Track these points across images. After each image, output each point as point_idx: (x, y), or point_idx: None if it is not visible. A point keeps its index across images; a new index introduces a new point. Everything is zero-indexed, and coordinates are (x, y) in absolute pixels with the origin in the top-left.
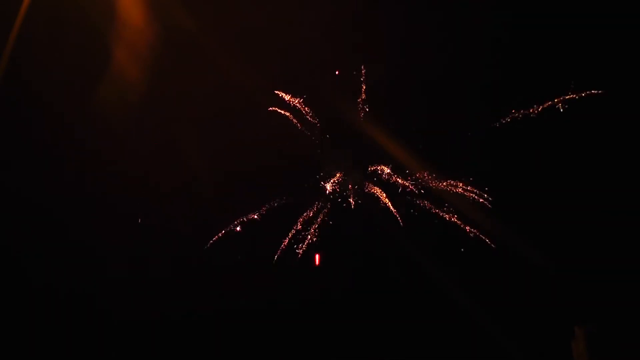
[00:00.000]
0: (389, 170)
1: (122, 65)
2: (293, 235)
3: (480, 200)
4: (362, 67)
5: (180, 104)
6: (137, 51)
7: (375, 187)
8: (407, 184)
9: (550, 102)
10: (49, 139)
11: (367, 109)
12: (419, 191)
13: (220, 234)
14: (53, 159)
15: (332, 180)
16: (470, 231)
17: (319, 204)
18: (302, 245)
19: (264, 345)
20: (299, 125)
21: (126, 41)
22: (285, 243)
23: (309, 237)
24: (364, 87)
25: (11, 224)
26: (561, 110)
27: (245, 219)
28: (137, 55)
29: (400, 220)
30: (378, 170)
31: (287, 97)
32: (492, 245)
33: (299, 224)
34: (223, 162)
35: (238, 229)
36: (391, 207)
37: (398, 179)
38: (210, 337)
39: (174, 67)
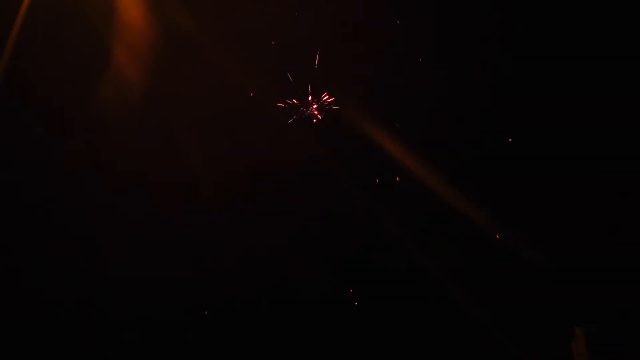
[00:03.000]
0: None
1: (122, 65)
2: None
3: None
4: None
5: (181, 103)
6: (138, 51)
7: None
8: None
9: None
10: (48, 138)
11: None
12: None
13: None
14: (53, 159)
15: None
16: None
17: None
18: None
19: (263, 345)
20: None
21: (127, 41)
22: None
23: None
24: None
25: (10, 224)
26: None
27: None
28: (137, 55)
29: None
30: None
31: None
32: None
33: None
34: (223, 161)
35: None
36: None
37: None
38: (209, 337)
39: (175, 67)
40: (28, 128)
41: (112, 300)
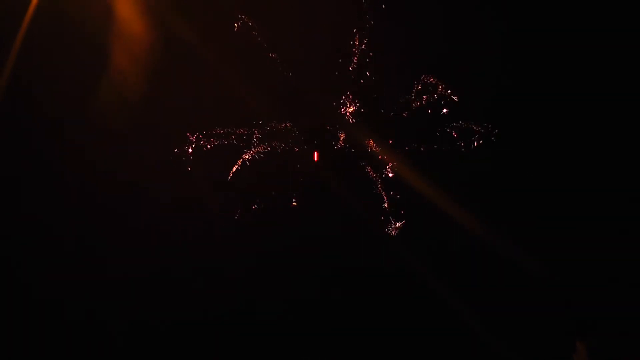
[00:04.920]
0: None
1: (123, 75)
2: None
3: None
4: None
5: (181, 111)
6: (139, 60)
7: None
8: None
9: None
10: (49, 144)
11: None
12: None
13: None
14: (53, 164)
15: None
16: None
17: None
18: None
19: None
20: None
21: (128, 50)
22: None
23: None
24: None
25: (10, 230)
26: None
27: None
28: (139, 64)
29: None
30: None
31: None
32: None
33: None
34: (223, 168)
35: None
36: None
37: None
38: (208, 342)
39: (176, 75)
40: (28, 133)
41: (113, 306)
